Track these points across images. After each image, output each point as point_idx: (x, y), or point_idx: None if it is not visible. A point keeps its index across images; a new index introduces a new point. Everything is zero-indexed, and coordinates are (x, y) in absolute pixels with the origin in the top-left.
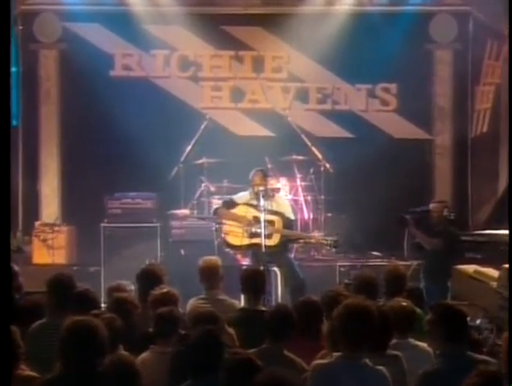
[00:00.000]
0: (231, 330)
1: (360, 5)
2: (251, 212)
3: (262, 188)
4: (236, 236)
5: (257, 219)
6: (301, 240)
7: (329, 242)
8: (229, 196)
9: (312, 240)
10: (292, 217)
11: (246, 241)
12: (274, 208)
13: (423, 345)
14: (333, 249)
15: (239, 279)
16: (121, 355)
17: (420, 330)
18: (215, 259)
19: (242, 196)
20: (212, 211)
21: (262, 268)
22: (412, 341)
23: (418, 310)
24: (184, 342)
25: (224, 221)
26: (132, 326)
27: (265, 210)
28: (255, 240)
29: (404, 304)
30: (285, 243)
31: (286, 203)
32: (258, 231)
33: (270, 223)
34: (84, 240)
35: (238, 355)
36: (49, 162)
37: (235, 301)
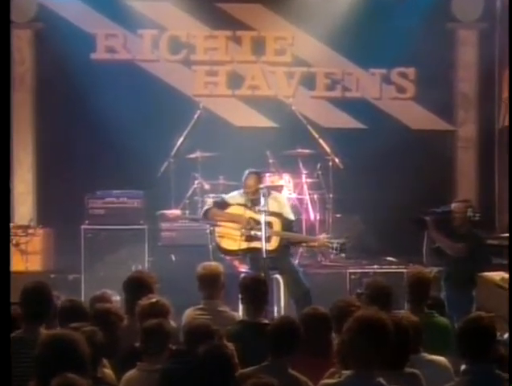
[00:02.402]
0: (231, 345)
1: None
2: (246, 213)
3: (262, 186)
4: (232, 239)
5: (253, 221)
6: (303, 244)
7: (335, 245)
8: (225, 195)
9: (315, 244)
10: (291, 217)
11: (244, 245)
12: (272, 208)
13: (440, 359)
14: (341, 254)
15: (238, 288)
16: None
17: (441, 345)
18: (216, 265)
19: (234, 196)
20: (201, 213)
21: (262, 275)
22: (425, 355)
23: (444, 322)
24: (178, 360)
25: (218, 223)
26: (117, 340)
27: (266, 211)
28: (253, 244)
29: (413, 318)
30: (285, 246)
31: (285, 201)
32: (257, 233)
33: (268, 224)
34: (63, 244)
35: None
36: (23, 156)
37: (236, 314)
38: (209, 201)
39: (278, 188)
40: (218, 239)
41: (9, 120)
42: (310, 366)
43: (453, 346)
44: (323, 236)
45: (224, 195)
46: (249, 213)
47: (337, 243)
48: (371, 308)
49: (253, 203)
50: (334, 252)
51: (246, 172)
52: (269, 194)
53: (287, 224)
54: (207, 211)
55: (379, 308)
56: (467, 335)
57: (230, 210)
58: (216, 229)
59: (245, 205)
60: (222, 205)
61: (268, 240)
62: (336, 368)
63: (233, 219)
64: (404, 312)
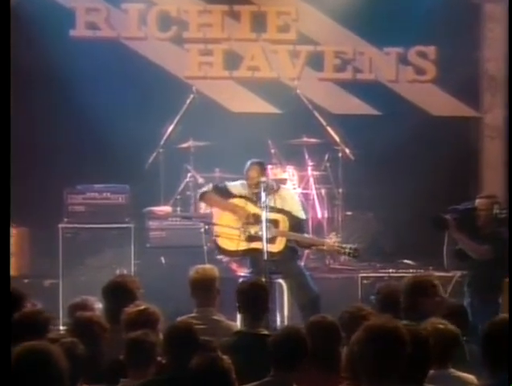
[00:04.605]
0: (227, 359)
1: None
2: (249, 208)
3: (263, 179)
4: (230, 238)
5: (256, 218)
6: (312, 247)
7: (347, 250)
8: (223, 183)
9: (325, 247)
10: (302, 216)
11: (243, 246)
12: (279, 205)
13: (468, 376)
14: (353, 259)
15: (235, 294)
16: None
17: (464, 358)
18: (210, 268)
19: (238, 187)
20: (198, 195)
21: (263, 280)
22: (453, 371)
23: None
24: (165, 375)
25: (215, 220)
26: (99, 353)
27: (267, 207)
28: (254, 245)
29: (441, 326)
30: (292, 249)
31: (295, 197)
32: (259, 233)
33: (274, 223)
34: (38, 246)
35: None
36: None
37: (233, 323)
38: (209, 185)
39: (281, 182)
40: (216, 237)
41: (8, 118)
42: (317, 381)
43: (463, 359)
44: (333, 240)
45: (227, 183)
46: (252, 208)
47: (350, 248)
48: (384, 316)
49: (257, 197)
50: (346, 257)
51: (249, 163)
52: (277, 188)
53: (296, 223)
54: (203, 194)
55: (392, 316)
56: (489, 345)
57: (231, 201)
58: (215, 227)
59: (249, 199)
60: (223, 192)
61: (273, 240)
62: (346, 384)
63: (232, 209)
64: (434, 319)
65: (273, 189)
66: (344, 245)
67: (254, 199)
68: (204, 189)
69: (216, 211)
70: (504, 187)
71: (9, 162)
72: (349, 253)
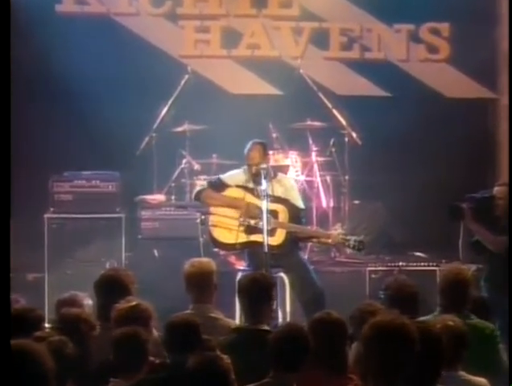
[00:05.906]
0: (227, 358)
1: None
2: (247, 198)
3: (263, 166)
4: (228, 230)
5: (254, 207)
6: (314, 239)
7: (352, 243)
8: (216, 177)
9: (329, 240)
10: (301, 205)
11: (242, 238)
12: (278, 193)
13: (480, 380)
14: (359, 252)
15: (233, 289)
16: None
17: (480, 357)
18: (207, 261)
19: (234, 176)
20: (193, 195)
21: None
22: (464, 374)
23: (487, 326)
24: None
25: (212, 210)
26: (88, 352)
27: (267, 195)
28: (253, 237)
29: (451, 323)
30: (293, 241)
31: (294, 185)
32: (259, 223)
33: (273, 214)
34: (22, 237)
35: None
36: None
37: (231, 321)
38: (203, 182)
39: (284, 169)
40: (212, 229)
41: (9, 114)
42: (320, 383)
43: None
44: (338, 232)
45: (221, 176)
46: (248, 198)
47: (354, 240)
48: (392, 312)
49: (256, 182)
50: (350, 250)
51: (250, 143)
52: (275, 175)
53: (295, 213)
54: (199, 192)
55: (401, 312)
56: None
57: (228, 193)
58: (209, 218)
59: (246, 187)
60: (218, 186)
61: (272, 232)
62: (353, 385)
63: (231, 203)
64: (449, 317)
65: (271, 176)
66: (348, 237)
67: (252, 185)
68: (199, 188)
69: None
70: None
71: (9, 158)
72: (354, 246)
